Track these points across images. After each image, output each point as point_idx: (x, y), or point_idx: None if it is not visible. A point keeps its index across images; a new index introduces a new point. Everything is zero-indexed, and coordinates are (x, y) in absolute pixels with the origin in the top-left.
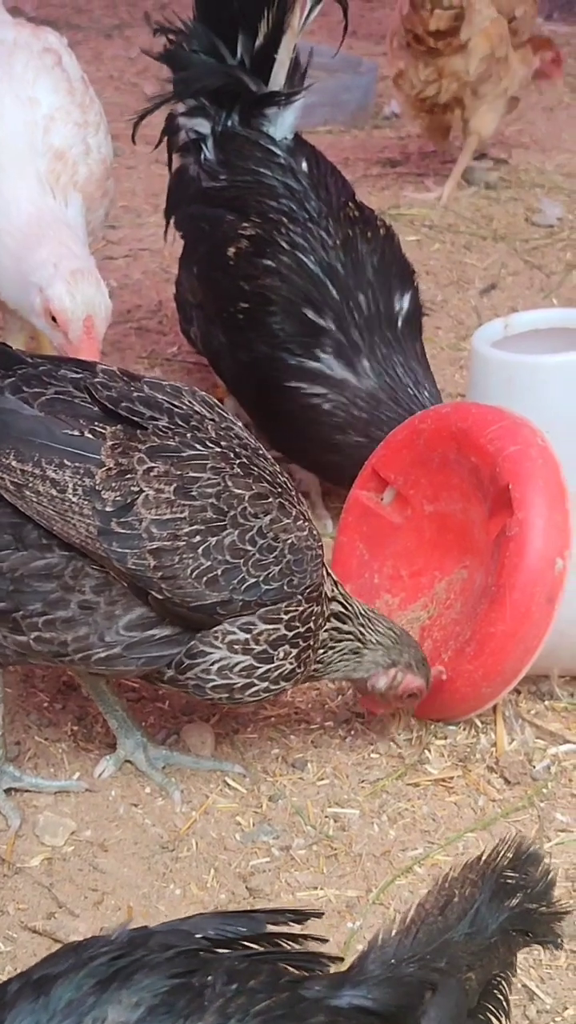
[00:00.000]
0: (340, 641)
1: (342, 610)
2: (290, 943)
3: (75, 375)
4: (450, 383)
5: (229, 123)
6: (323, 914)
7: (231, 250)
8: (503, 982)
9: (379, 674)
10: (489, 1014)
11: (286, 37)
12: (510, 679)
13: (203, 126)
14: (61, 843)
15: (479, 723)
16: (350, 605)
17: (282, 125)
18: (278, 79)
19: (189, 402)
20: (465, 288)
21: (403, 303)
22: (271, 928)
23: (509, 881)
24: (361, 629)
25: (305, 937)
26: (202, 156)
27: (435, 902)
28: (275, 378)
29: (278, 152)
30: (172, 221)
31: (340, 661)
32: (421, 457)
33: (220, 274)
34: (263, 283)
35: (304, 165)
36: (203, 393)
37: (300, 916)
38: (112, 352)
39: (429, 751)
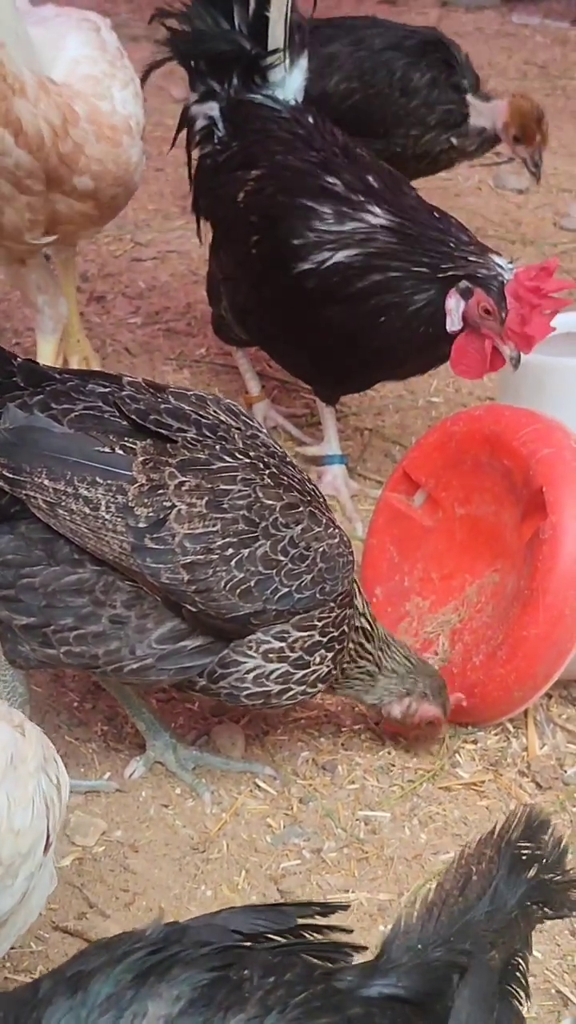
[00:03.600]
0: (361, 658)
1: (368, 628)
2: (315, 934)
3: (103, 389)
4: (478, 386)
5: (233, 93)
6: (349, 906)
7: (240, 195)
8: (522, 960)
9: (393, 703)
10: (510, 995)
11: None
12: (542, 683)
13: (214, 109)
14: (92, 843)
15: (510, 727)
16: (375, 627)
17: (288, 88)
18: (276, 38)
19: (215, 412)
20: None
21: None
22: (300, 921)
23: (524, 853)
24: (380, 653)
25: (331, 928)
26: (215, 137)
27: (454, 882)
28: (303, 294)
29: (281, 109)
30: (200, 210)
31: (356, 679)
32: (453, 460)
33: (234, 224)
34: (265, 201)
35: (310, 119)
36: (227, 401)
37: (327, 909)
38: (141, 353)
39: (460, 755)
